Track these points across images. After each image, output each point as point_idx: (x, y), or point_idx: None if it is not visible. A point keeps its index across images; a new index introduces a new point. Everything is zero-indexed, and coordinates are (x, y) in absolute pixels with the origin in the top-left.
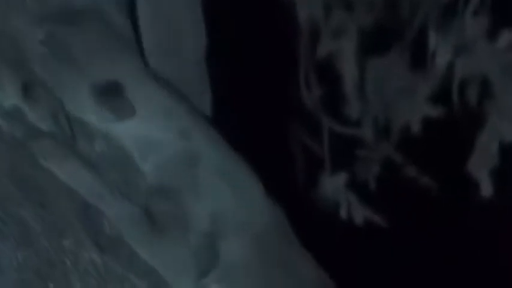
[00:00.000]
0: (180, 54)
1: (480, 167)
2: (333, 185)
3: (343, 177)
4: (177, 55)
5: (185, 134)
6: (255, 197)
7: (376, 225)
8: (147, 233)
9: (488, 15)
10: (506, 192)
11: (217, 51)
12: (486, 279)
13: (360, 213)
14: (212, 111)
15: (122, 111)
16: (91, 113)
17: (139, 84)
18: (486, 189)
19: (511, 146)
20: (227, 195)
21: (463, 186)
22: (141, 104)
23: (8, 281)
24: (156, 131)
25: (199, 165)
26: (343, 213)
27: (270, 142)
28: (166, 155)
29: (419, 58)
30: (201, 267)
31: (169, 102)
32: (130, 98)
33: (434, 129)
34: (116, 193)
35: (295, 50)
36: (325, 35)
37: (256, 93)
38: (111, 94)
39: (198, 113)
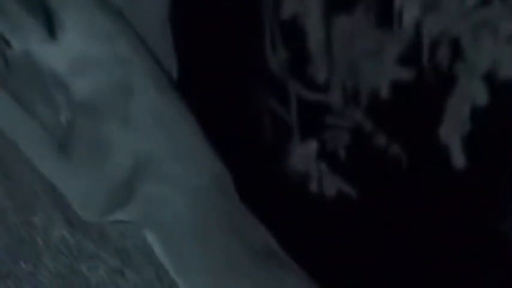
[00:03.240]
0: (141, 14)
1: (452, 134)
2: (303, 154)
3: (313, 146)
4: (139, 15)
5: (124, 63)
6: (194, 147)
7: (347, 196)
8: (53, 153)
9: None
10: (477, 161)
11: (180, 12)
12: (455, 247)
13: (332, 184)
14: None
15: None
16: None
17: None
18: (458, 159)
19: (482, 110)
20: (160, 139)
21: (434, 155)
22: (80, 24)
23: None
24: (92, 50)
25: (134, 100)
26: (314, 184)
27: (236, 108)
28: (100, 77)
29: (386, 16)
30: (109, 196)
31: (111, 27)
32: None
33: (403, 93)
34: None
35: (260, 11)
36: None
37: (221, 58)
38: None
39: (143, 47)
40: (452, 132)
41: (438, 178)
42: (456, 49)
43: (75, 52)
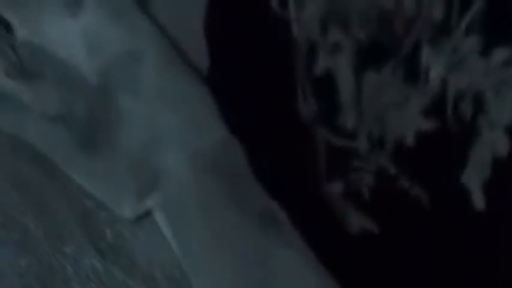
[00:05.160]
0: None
1: (473, 180)
2: (329, 193)
3: (339, 186)
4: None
5: (134, 32)
6: (202, 110)
7: (370, 234)
8: (79, 153)
9: (481, 32)
10: (497, 205)
11: (216, 66)
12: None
13: (356, 222)
14: None
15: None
16: (50, 13)
17: None
18: (478, 202)
19: (503, 159)
20: (168, 97)
21: (455, 198)
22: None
23: (9, 285)
24: (108, 27)
25: (142, 67)
26: (338, 221)
27: (266, 151)
28: (112, 49)
29: (413, 73)
30: (139, 182)
31: (127, 3)
32: None
33: (427, 142)
34: (42, 117)
35: (292, 65)
36: (322, 51)
37: (253, 107)
38: None
39: (149, 17)
40: (473, 178)
41: (458, 219)
42: (479, 103)
43: (93, 30)
